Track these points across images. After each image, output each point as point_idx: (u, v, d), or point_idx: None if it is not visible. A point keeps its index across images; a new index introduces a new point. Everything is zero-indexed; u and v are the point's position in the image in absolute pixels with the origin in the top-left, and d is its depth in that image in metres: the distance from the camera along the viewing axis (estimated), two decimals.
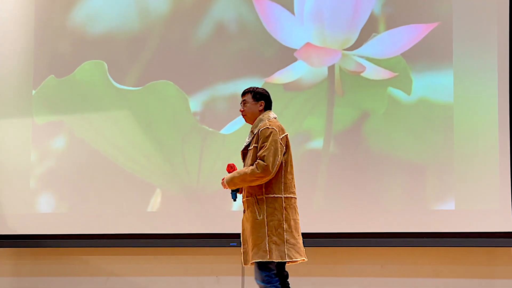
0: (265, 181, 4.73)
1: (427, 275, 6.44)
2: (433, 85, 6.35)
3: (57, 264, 7.42)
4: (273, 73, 6.75)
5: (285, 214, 4.76)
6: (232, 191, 4.86)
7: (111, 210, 7.13)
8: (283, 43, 6.73)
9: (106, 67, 7.23)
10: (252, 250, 4.71)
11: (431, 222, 6.28)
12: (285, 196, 4.79)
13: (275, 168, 4.71)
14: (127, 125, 7.14)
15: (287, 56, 6.71)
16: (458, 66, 6.27)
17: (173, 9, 7.13)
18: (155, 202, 7.05)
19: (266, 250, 4.68)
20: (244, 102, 4.92)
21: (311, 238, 6.50)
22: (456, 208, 6.22)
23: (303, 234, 6.52)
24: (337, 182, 6.55)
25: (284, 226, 4.74)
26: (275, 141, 4.73)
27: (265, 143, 4.72)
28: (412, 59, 6.39)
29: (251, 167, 4.71)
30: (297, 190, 6.56)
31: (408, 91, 6.40)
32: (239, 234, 6.57)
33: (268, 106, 4.93)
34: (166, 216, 7.01)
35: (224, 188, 4.87)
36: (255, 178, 4.70)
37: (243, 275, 6.83)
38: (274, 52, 6.77)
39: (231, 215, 6.64)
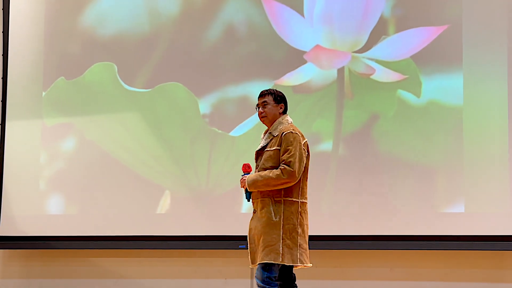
0: (288, 186, 4.74)
1: (437, 278, 6.42)
2: (442, 88, 6.33)
3: (66, 266, 7.43)
4: (283, 75, 6.74)
5: (299, 218, 4.78)
6: (247, 191, 4.84)
7: (120, 212, 7.14)
8: (293, 45, 6.73)
9: (116, 69, 7.24)
10: (263, 251, 4.70)
11: (440, 225, 6.25)
12: (301, 201, 4.80)
13: (300, 174, 4.74)
14: (136, 127, 7.15)
15: (296, 58, 6.70)
16: (468, 68, 6.25)
17: (182, 11, 7.13)
18: (164, 204, 7.05)
19: (279, 252, 4.68)
20: (264, 104, 4.87)
21: (320, 241, 6.51)
22: (465, 211, 6.20)
23: (311, 236, 6.54)
24: (346, 185, 6.53)
25: (299, 230, 4.76)
26: (300, 147, 4.74)
27: (290, 148, 4.71)
28: (422, 61, 6.38)
29: (275, 172, 4.69)
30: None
31: (417, 94, 6.39)
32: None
33: (286, 110, 4.93)
34: (175, 218, 7.01)
35: (242, 187, 4.85)
36: (280, 183, 4.70)
37: (251, 277, 6.82)
38: (284, 54, 6.77)
39: (240, 217, 6.64)
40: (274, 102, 4.87)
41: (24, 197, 7.41)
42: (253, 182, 4.75)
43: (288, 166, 4.68)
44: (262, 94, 4.91)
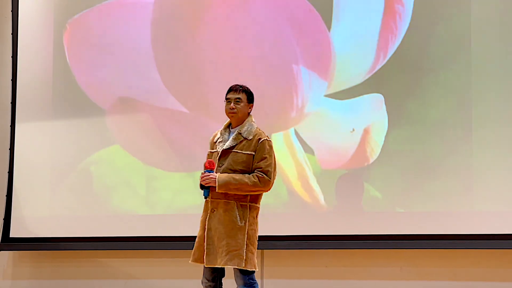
0: (259, 193, 4.78)
1: (447, 278, 6.41)
2: (451, 86, 6.31)
3: (76, 266, 7.44)
4: None
5: (257, 223, 4.82)
6: (206, 189, 4.75)
7: (129, 213, 7.14)
8: None
9: None
10: (226, 255, 4.67)
11: (450, 224, 6.24)
12: (259, 206, 4.84)
13: (273, 183, 4.77)
14: (146, 127, 7.14)
15: None
16: (477, 64, 6.24)
17: (196, 15, 7.14)
18: (174, 204, 7.05)
19: (243, 258, 4.67)
20: (238, 100, 4.79)
21: (328, 241, 6.51)
22: (475, 209, 6.19)
23: (321, 236, 6.56)
24: (354, 184, 6.54)
25: (256, 235, 4.81)
26: (274, 156, 4.78)
27: (267, 156, 4.71)
28: (432, 59, 6.37)
29: (252, 179, 4.67)
30: (316, 192, 6.60)
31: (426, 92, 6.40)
32: (258, 236, 6.57)
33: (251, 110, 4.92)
34: (186, 218, 7.00)
35: (206, 184, 4.73)
36: (254, 190, 4.71)
37: (262, 278, 6.82)
38: None
39: None
40: (247, 101, 4.82)
41: (34, 199, 7.42)
42: (225, 184, 4.68)
43: (266, 175, 4.68)
44: (236, 90, 4.80)
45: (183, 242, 6.95)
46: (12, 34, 7.64)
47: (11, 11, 7.66)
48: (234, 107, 4.78)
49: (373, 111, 6.51)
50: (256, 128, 4.79)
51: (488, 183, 6.16)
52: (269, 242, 6.58)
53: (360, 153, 6.50)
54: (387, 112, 6.46)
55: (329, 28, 6.62)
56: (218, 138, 4.86)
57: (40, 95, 7.48)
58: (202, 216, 4.84)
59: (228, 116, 4.84)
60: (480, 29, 6.26)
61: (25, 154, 7.48)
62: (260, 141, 4.72)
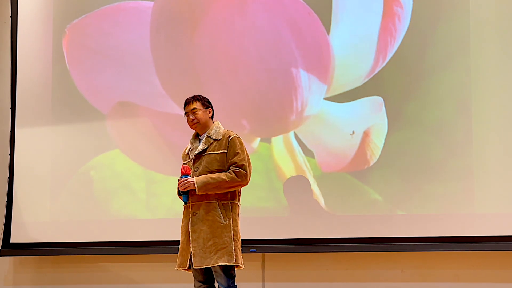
0: (237, 189, 4.89)
1: (448, 280, 6.41)
2: (450, 85, 6.31)
3: (77, 272, 7.44)
4: None
5: (239, 220, 4.91)
6: (185, 193, 4.84)
7: (131, 217, 7.14)
8: None
9: None
10: (215, 254, 4.75)
11: (451, 226, 6.24)
12: (239, 204, 4.94)
13: (250, 177, 4.89)
14: (149, 131, 7.14)
15: None
16: (476, 64, 6.24)
17: (195, 19, 7.14)
18: (176, 208, 7.05)
19: (232, 254, 4.77)
20: (194, 110, 4.93)
21: (331, 244, 6.51)
22: (476, 211, 6.19)
23: (323, 239, 6.56)
24: (356, 187, 6.53)
25: (240, 232, 4.90)
26: (247, 152, 4.91)
27: (239, 152, 4.84)
28: (432, 57, 6.38)
29: (229, 175, 4.78)
30: (317, 195, 6.59)
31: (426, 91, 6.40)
32: (259, 240, 6.59)
33: (213, 114, 5.02)
34: None
35: (184, 189, 4.81)
36: (233, 186, 4.82)
37: (262, 281, 6.82)
38: None
39: (250, 221, 6.63)
40: (203, 107, 4.96)
41: (35, 204, 7.42)
42: (204, 185, 4.78)
43: (241, 169, 4.82)
44: (189, 102, 4.97)
45: None
46: (11, 39, 7.65)
47: (10, 16, 7.67)
48: (193, 117, 4.94)
49: (372, 114, 6.51)
50: (224, 129, 4.94)
51: (489, 185, 6.16)
52: (270, 245, 6.59)
53: (360, 156, 6.51)
54: (387, 114, 6.46)
55: (328, 31, 6.63)
56: (190, 148, 5.01)
57: (40, 100, 7.49)
58: (183, 223, 4.95)
59: (192, 128, 5.00)
60: (479, 30, 6.26)
61: (25, 159, 7.49)
62: (230, 138, 4.87)
